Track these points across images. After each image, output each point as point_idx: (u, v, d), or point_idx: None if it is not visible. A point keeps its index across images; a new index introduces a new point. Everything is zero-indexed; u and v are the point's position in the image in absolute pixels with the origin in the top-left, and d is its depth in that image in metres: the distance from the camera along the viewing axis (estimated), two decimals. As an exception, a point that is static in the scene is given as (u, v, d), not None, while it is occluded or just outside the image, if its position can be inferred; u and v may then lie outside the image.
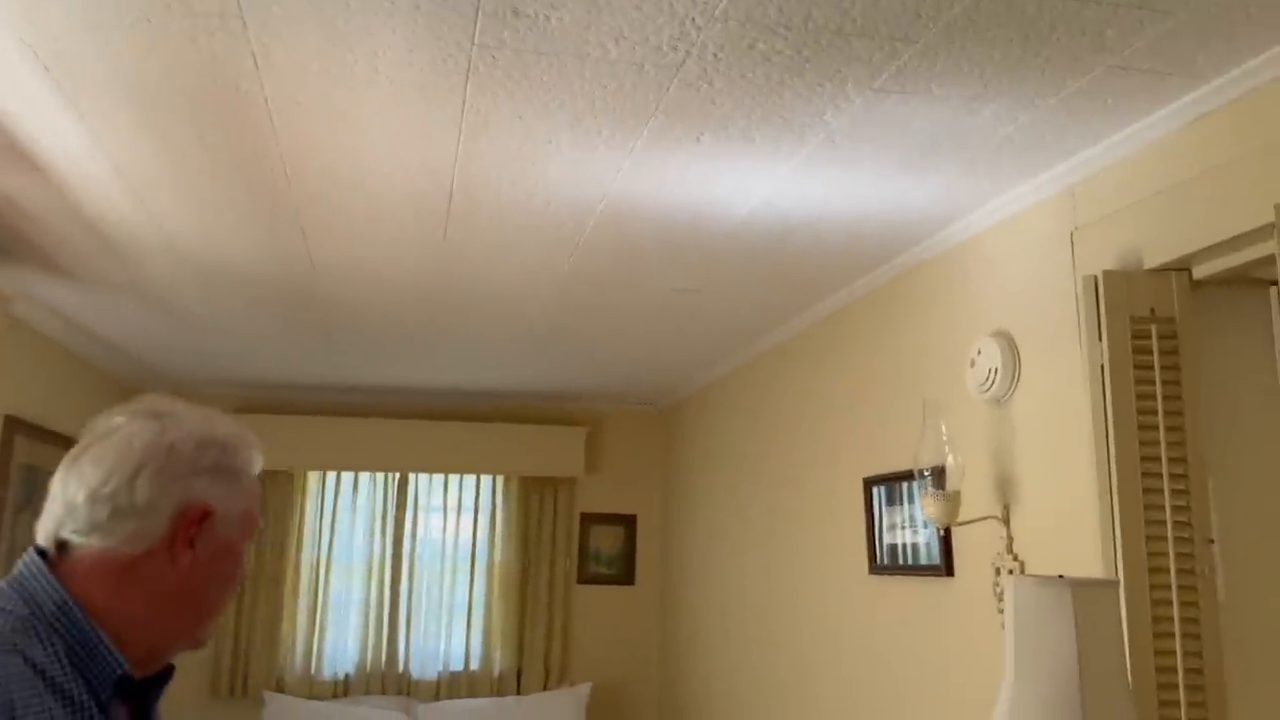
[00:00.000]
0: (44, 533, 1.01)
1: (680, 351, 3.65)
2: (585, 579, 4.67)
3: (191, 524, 1.04)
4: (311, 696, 4.20)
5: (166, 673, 1.08)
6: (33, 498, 3.18)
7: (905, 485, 2.40)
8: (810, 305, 2.95)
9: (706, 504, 4.06)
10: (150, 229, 2.35)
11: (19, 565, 0.99)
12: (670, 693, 4.43)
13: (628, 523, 4.75)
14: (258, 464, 1.14)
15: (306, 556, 4.38)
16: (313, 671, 4.30)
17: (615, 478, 4.77)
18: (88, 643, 0.96)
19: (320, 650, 4.34)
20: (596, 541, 4.72)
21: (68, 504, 1.00)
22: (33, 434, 3.13)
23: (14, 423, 3.00)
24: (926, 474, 2.09)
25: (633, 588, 4.71)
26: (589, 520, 4.71)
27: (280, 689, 4.21)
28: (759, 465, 3.46)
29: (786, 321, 3.15)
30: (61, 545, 1.00)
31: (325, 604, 4.37)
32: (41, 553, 1.00)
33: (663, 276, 2.68)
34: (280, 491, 4.37)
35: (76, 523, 0.99)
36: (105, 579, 1.00)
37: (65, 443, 3.35)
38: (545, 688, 4.45)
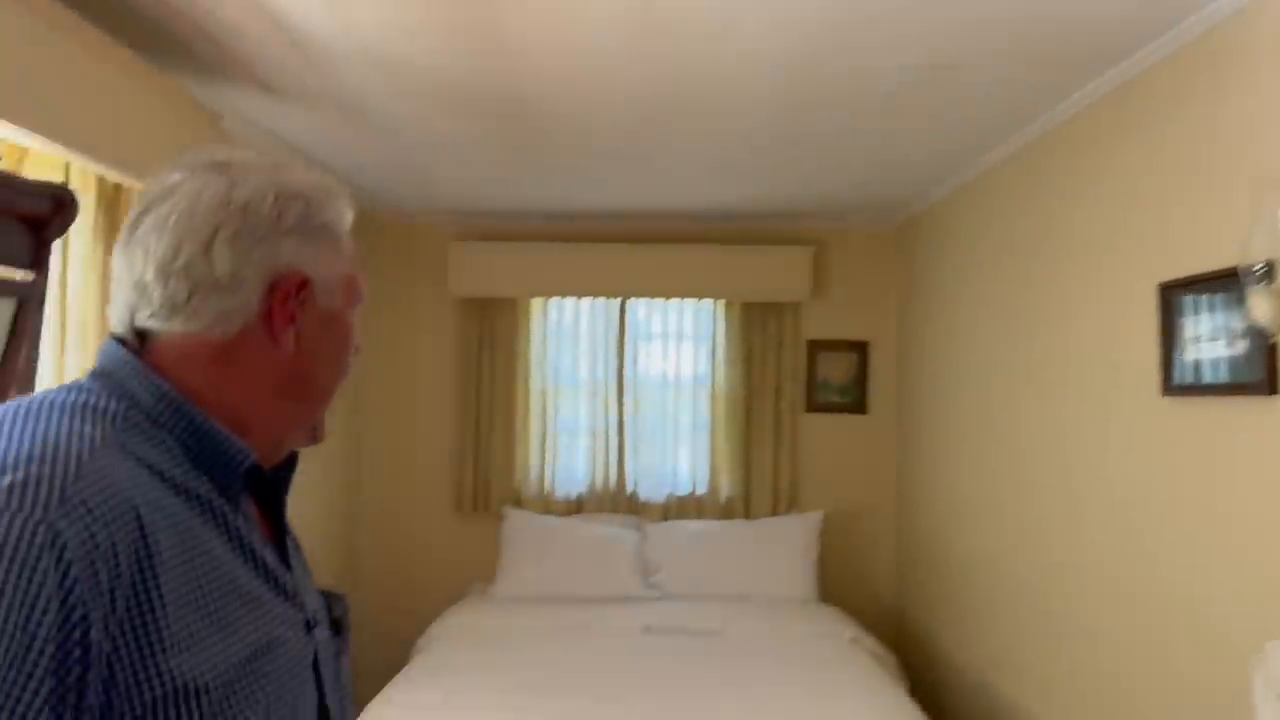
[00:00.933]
0: (118, 320, 0.87)
1: (922, 152, 3.24)
2: (814, 407, 4.46)
3: (288, 295, 0.88)
4: (547, 513, 4.31)
5: (291, 463, 0.97)
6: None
7: (1217, 287, 1.97)
8: (1092, 77, 2.47)
9: (949, 327, 3.70)
10: (347, 37, 2.22)
11: (99, 358, 0.86)
12: (909, 525, 4.23)
13: (859, 350, 4.47)
14: (349, 218, 0.96)
15: (535, 383, 4.41)
16: (547, 492, 4.40)
17: (845, 302, 4.46)
18: (203, 435, 0.83)
19: (553, 472, 4.42)
20: (825, 370, 4.47)
21: (137, 284, 0.85)
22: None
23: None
24: (1257, 269, 1.68)
25: (865, 417, 4.46)
26: (817, 348, 4.46)
27: (519, 506, 4.35)
28: (1017, 279, 3.06)
29: (1058, 103, 2.67)
30: (142, 334, 0.86)
31: (555, 428, 4.42)
32: (121, 342, 0.86)
33: (910, 51, 2.29)
34: (506, 318, 4.39)
35: (152, 305, 0.84)
36: (202, 366, 0.86)
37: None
38: (775, 514, 4.36)
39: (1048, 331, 2.80)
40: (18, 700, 0.64)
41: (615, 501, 4.40)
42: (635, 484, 4.42)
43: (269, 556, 0.88)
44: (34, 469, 0.70)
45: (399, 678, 2.99)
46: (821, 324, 4.46)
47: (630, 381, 4.42)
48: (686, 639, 3.43)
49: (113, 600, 0.69)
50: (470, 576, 4.30)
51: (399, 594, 4.39)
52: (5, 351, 1.65)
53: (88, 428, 0.77)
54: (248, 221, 0.87)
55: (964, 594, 3.48)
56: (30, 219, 1.68)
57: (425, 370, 4.48)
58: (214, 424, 0.84)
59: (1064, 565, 2.68)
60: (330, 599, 1.01)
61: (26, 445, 0.73)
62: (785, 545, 4.10)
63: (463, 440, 4.40)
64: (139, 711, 0.71)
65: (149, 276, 0.85)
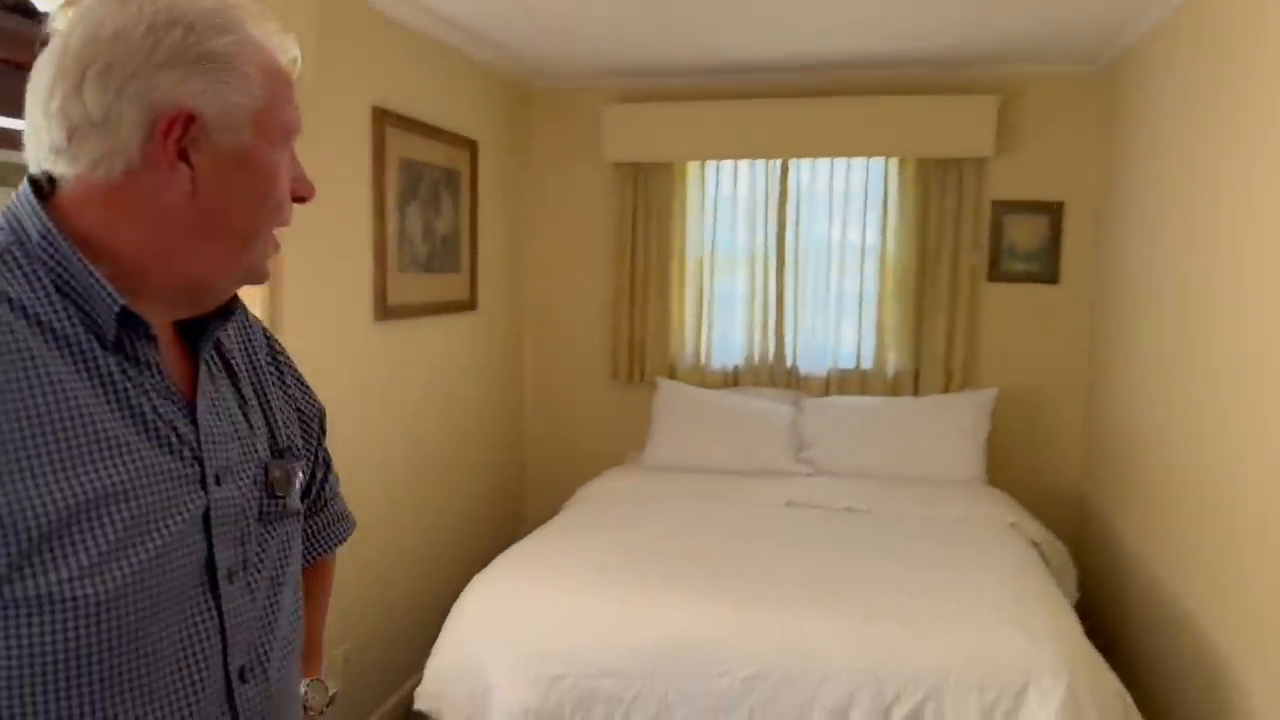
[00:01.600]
0: (31, 161, 0.83)
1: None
2: (997, 276, 4.07)
3: (168, 133, 0.80)
4: (701, 385, 4.23)
5: (229, 309, 0.93)
6: (417, 190, 3.32)
7: None
8: None
9: (1157, 186, 3.21)
10: None
11: (12, 196, 0.83)
12: (1099, 407, 3.82)
13: (1052, 212, 4.00)
14: (263, 46, 0.85)
15: (691, 251, 4.27)
16: (702, 363, 4.31)
17: (1036, 158, 3.98)
18: (77, 275, 0.79)
19: (709, 343, 4.31)
20: (1012, 234, 4.04)
21: (32, 125, 0.82)
22: (404, 125, 3.19)
23: (383, 114, 3.06)
24: None
25: (1056, 287, 4.02)
26: (1002, 209, 4.03)
27: (673, 377, 4.29)
28: (1237, 132, 2.57)
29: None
30: (51, 178, 0.83)
31: (711, 298, 4.29)
32: (36, 183, 0.83)
33: None
34: (662, 184, 4.24)
35: (42, 147, 0.81)
36: (94, 209, 0.82)
37: (435, 134, 3.47)
38: (947, 390, 4.06)
39: (1269, 194, 2.34)
40: None
41: (774, 375, 4.25)
42: (795, 357, 4.24)
43: (161, 406, 0.85)
44: None
45: (526, 539, 3.06)
46: (1009, 183, 4.01)
47: (792, 249, 4.19)
48: (826, 515, 3.30)
49: None
50: (626, 445, 4.32)
51: (560, 460, 4.49)
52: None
53: None
54: (117, 55, 0.80)
55: (1150, 485, 3.11)
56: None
57: (582, 240, 4.43)
58: (86, 267, 0.81)
59: (1265, 470, 2.31)
60: (276, 461, 0.95)
61: None
62: (953, 424, 3.83)
63: (618, 310, 4.35)
64: None
65: (36, 117, 0.82)
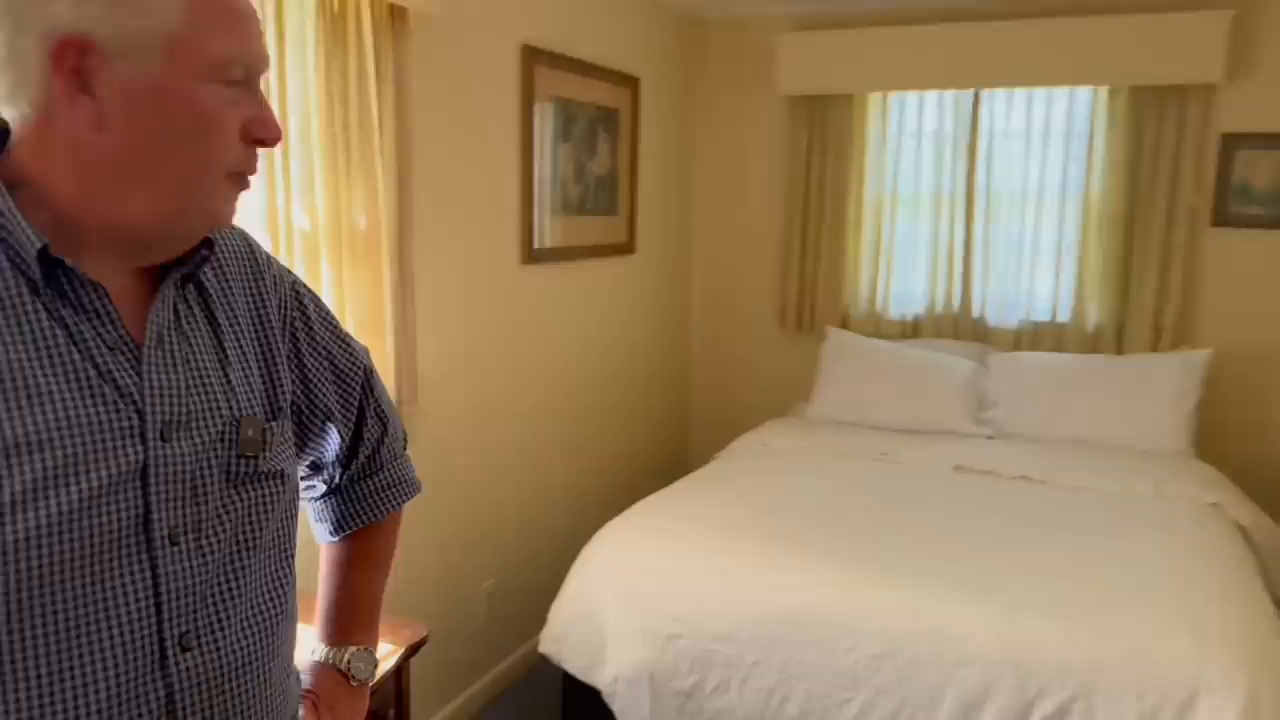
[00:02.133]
0: None
1: None
2: (1225, 221, 3.55)
3: (59, 61, 0.76)
4: (876, 335, 3.98)
5: (202, 251, 0.90)
6: (570, 131, 3.26)
7: None
8: None
9: None
10: None
11: None
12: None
13: (1298, 145, 3.42)
14: None
15: (869, 190, 3.99)
16: (878, 312, 4.05)
17: (1277, 83, 3.41)
18: (5, 218, 0.78)
19: (886, 290, 4.04)
20: (1244, 171, 3.51)
21: None
22: (557, 64, 3.13)
23: (533, 53, 3.00)
24: None
25: (1297, 233, 3.47)
26: (1234, 143, 3.49)
27: (845, 326, 4.06)
28: None
29: None
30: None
31: (890, 242, 4.00)
32: None
33: None
34: (839, 118, 3.97)
35: None
36: (27, 152, 0.80)
37: (592, 72, 3.38)
38: (1154, 350, 3.62)
39: None
40: None
41: (957, 327, 3.93)
42: (982, 308, 3.90)
43: (102, 355, 0.82)
44: None
45: (664, 490, 2.99)
46: (1242, 113, 3.47)
47: (983, 189, 3.83)
48: (995, 484, 3.02)
49: None
50: (793, 396, 4.15)
51: (724, 408, 4.38)
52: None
53: None
54: None
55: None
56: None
57: (752, 179, 4.25)
58: (10, 209, 0.79)
59: None
60: (250, 419, 0.91)
61: None
62: (1158, 387, 3.40)
63: (789, 254, 4.15)
64: None
65: None
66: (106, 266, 0.85)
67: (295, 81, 2.06)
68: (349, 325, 2.21)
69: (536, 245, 3.12)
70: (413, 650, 1.81)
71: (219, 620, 0.87)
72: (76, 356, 0.80)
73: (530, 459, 3.22)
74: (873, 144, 3.96)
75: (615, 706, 2.42)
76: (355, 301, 2.24)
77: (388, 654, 1.75)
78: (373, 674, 1.18)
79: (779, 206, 4.18)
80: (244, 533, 0.91)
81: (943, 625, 2.19)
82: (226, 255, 0.98)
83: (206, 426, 0.88)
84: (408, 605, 2.63)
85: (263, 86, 0.88)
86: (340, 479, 1.17)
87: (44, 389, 0.78)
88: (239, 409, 0.91)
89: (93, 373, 0.81)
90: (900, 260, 4.02)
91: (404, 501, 1.22)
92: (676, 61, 4.02)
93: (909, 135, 3.91)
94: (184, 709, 0.84)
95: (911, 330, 4.01)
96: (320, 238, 2.14)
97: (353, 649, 1.16)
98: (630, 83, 3.60)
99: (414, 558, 2.65)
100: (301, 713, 1.07)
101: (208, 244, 0.91)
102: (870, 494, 2.91)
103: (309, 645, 1.17)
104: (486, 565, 3.03)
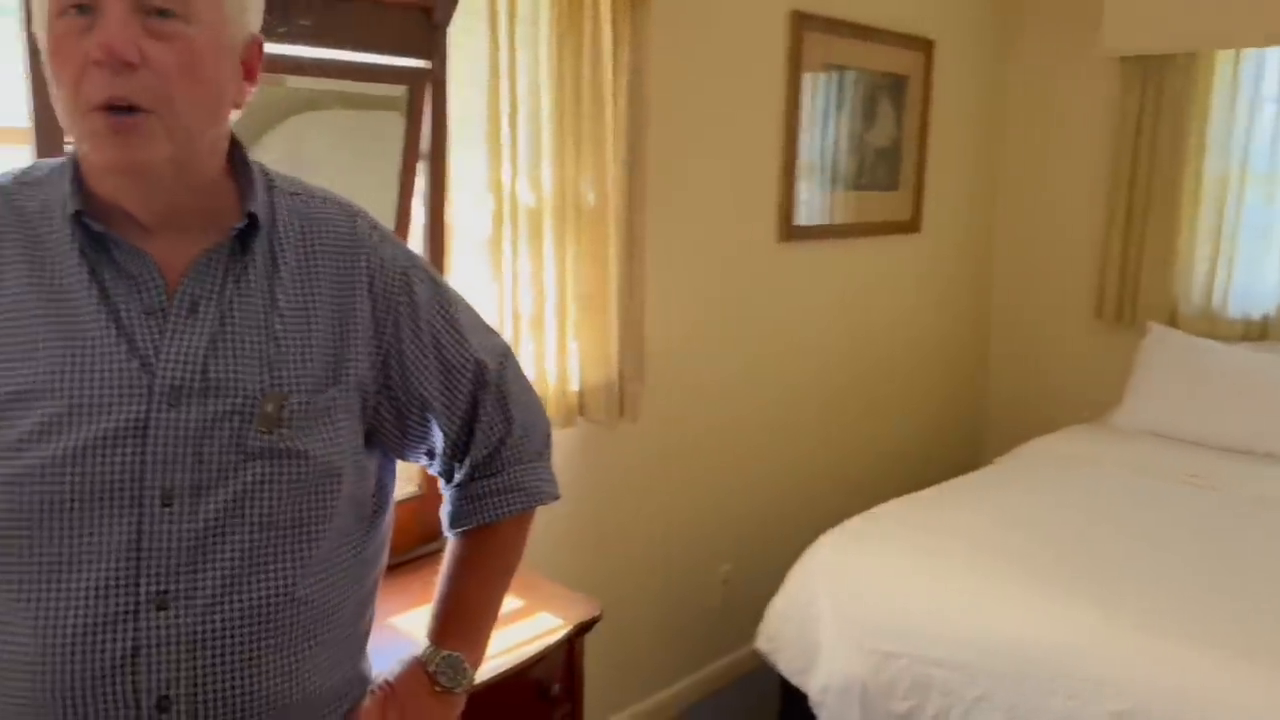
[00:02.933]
0: None
1: None
2: None
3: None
4: (1210, 335, 3.39)
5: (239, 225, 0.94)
6: (843, 100, 3.07)
7: None
8: None
9: None
10: None
11: None
12: None
13: None
14: None
15: (1211, 166, 3.38)
16: (1214, 307, 3.44)
17: None
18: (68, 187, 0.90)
19: (1227, 283, 3.42)
20: None
21: None
22: (831, 29, 2.94)
23: (802, 18, 2.85)
24: None
25: None
26: None
27: (1172, 323, 3.50)
28: None
29: None
30: None
31: (1236, 226, 3.37)
32: None
33: None
34: (1178, 81, 3.39)
35: None
36: None
37: (873, 36, 3.11)
38: None
39: None
40: None
41: (1319, 330, 3.25)
42: (1359, 308, 3.19)
43: (130, 318, 0.88)
44: None
45: (913, 494, 2.74)
46: None
47: (1367, 163, 3.11)
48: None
49: None
50: (1104, 398, 3.65)
51: (1025, 405, 3.96)
52: (405, 137, 1.83)
53: None
54: None
55: None
56: (421, 6, 1.79)
57: (1068, 151, 3.76)
58: (63, 176, 0.89)
59: None
60: (274, 395, 0.91)
61: None
62: None
63: (1110, 236, 3.63)
64: None
65: None
66: (154, 236, 0.89)
67: (525, 59, 2.09)
68: (568, 300, 2.23)
69: (797, 222, 2.98)
70: (583, 628, 1.80)
71: (200, 588, 0.88)
72: (103, 315, 0.86)
73: (779, 444, 3.10)
74: (1219, 111, 3.35)
75: (822, 717, 2.27)
76: (578, 277, 2.25)
77: (555, 628, 1.75)
78: (461, 684, 1.11)
79: (1100, 182, 3.67)
80: (247, 506, 0.90)
81: (1202, 689, 1.82)
82: (320, 234, 0.99)
83: (224, 396, 0.89)
84: (632, 581, 2.65)
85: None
86: (457, 473, 1.13)
87: (67, 342, 0.85)
88: (268, 383, 0.91)
89: (113, 332, 0.86)
90: (1247, 248, 3.38)
91: (521, 509, 1.14)
92: (980, 22, 3.65)
93: (1270, 100, 3.26)
94: (150, 667, 0.86)
95: (1257, 332, 3.37)
96: (545, 213, 2.17)
97: (445, 653, 1.11)
98: (923, 46, 3.31)
99: (638, 534, 2.65)
100: (367, 703, 1.06)
101: (250, 217, 0.93)
102: (1163, 522, 2.49)
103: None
104: (724, 550, 2.97)
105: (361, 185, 1.70)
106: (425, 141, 1.86)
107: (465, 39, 1.96)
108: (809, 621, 2.34)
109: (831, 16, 2.93)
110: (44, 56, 0.84)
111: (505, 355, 1.13)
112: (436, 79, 1.84)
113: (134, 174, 0.86)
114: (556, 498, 1.18)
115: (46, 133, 1.35)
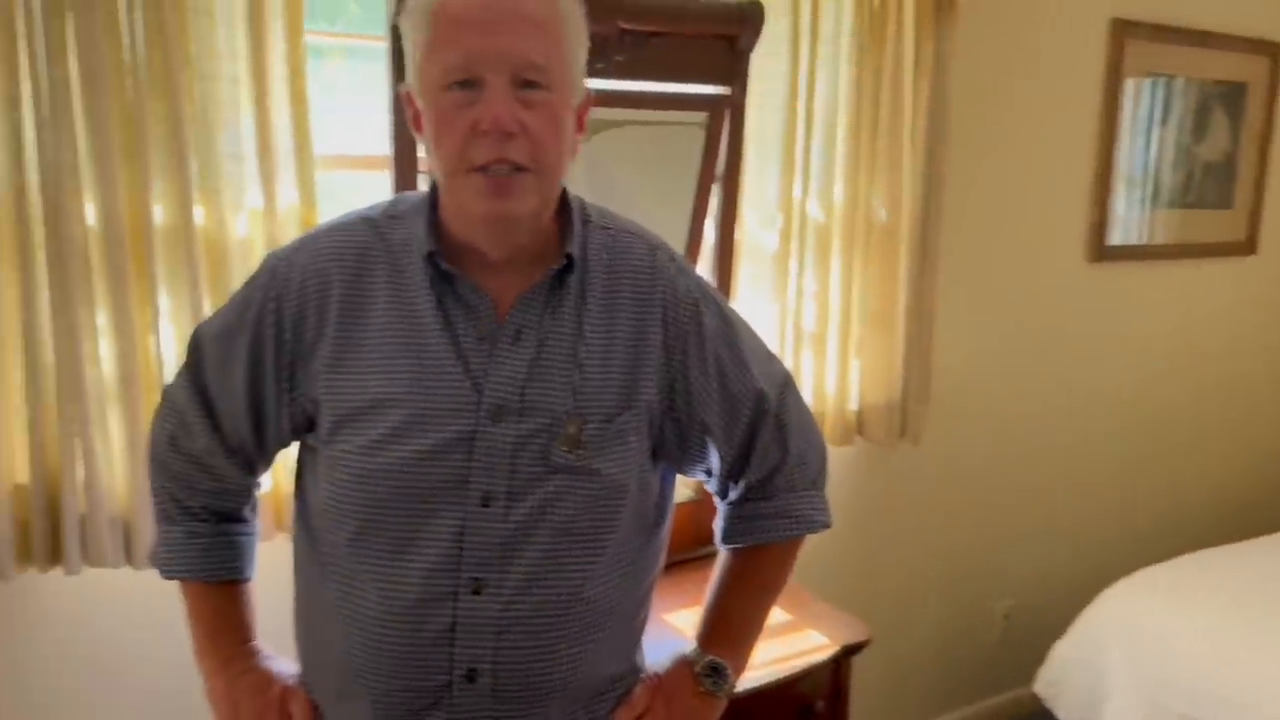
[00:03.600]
0: None
1: None
2: None
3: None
4: None
5: (555, 263, 1.04)
6: (1168, 111, 2.83)
7: None
8: None
9: None
10: None
11: None
12: None
13: None
14: None
15: None
16: None
17: None
18: (427, 225, 1.03)
19: None
20: None
21: None
22: (1157, 36, 2.72)
23: (1124, 26, 2.65)
24: None
25: None
26: None
27: None
28: None
29: None
30: None
31: None
32: None
33: None
34: None
35: None
36: None
37: (1205, 40, 2.82)
38: None
39: None
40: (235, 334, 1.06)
41: None
42: None
43: (467, 343, 1.01)
44: (307, 234, 1.12)
45: (1224, 546, 2.47)
46: None
47: None
48: None
49: (293, 315, 1.03)
50: None
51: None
52: (702, 161, 1.91)
53: (363, 210, 1.09)
54: None
55: None
56: (725, 35, 1.87)
57: None
58: (424, 219, 1.03)
59: None
60: (575, 418, 1.02)
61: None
62: None
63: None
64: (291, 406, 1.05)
65: None
66: (491, 270, 1.03)
67: (824, 77, 2.12)
68: (853, 317, 2.22)
69: (1110, 241, 2.78)
70: (852, 650, 1.79)
71: (507, 580, 1.01)
72: (446, 341, 1.01)
73: (1072, 480, 2.91)
74: None
75: (1105, 777, 2.12)
76: (865, 294, 2.24)
77: (822, 646, 1.76)
78: (722, 689, 1.17)
79: None
80: (549, 514, 1.02)
81: None
82: (624, 266, 1.09)
83: (537, 417, 1.01)
84: (904, 606, 2.60)
85: (544, 80, 0.96)
86: (732, 492, 1.19)
87: (417, 361, 1.00)
88: (573, 407, 1.02)
89: (454, 356, 1.00)
90: None
91: (791, 535, 1.19)
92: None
93: None
94: (463, 642, 1.00)
95: None
96: (834, 230, 2.18)
97: (710, 658, 1.17)
98: (1268, 50, 2.97)
99: (913, 559, 2.59)
100: (637, 690, 1.15)
101: (567, 257, 1.04)
102: None
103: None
104: (1005, 585, 2.83)
105: (654, 205, 1.80)
106: (720, 163, 1.93)
107: (766, 62, 2.02)
108: (1097, 671, 2.19)
109: (1158, 23, 2.71)
110: (425, 120, 0.98)
111: (786, 384, 1.17)
112: (736, 104, 1.91)
113: (505, 223, 0.99)
114: (828, 526, 1.21)
115: (403, 162, 1.56)
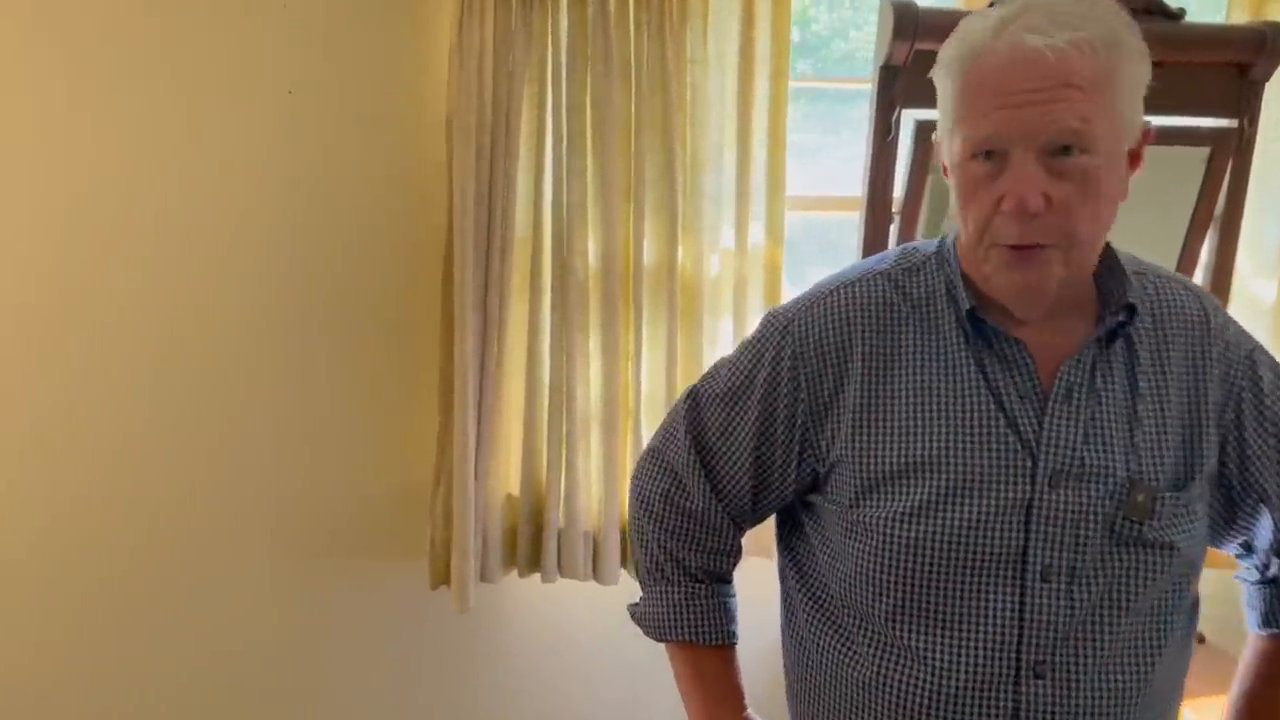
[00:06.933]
0: None
1: None
2: None
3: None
4: None
5: (1115, 314, 0.94)
6: None
7: None
8: None
9: None
10: None
11: None
12: None
13: None
14: (966, 46, 0.88)
15: None
16: None
17: None
18: (954, 283, 0.96)
19: None
20: None
21: None
22: None
23: None
24: None
25: None
26: None
27: None
28: None
29: None
30: None
31: None
32: None
33: None
34: None
35: None
36: None
37: None
38: None
39: None
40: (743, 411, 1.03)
41: None
42: None
43: (1011, 401, 0.94)
44: (815, 290, 1.04)
45: None
46: None
47: None
48: None
49: (810, 373, 0.99)
50: None
51: None
52: (1197, 204, 1.71)
53: (869, 264, 1.04)
54: None
55: None
56: (1237, 64, 1.66)
57: None
58: (957, 277, 0.97)
59: None
60: (1143, 486, 0.93)
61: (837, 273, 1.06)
62: None
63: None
64: (802, 467, 1.01)
65: None
66: (1029, 325, 0.95)
67: None
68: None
69: None
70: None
71: (1074, 664, 0.92)
72: (989, 400, 0.94)
73: None
74: None
75: None
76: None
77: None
78: None
79: None
80: (1117, 591, 0.92)
81: None
82: (1172, 318, 0.98)
83: (1097, 482, 0.91)
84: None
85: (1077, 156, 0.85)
86: (1274, 568, 1.05)
87: (956, 421, 0.94)
88: (1135, 472, 0.92)
89: (1000, 416, 0.93)
90: None
91: None
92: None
93: None
94: None
95: None
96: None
97: None
98: None
99: None
100: None
101: (1128, 309, 0.94)
102: None
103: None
104: None
105: (1137, 246, 1.63)
106: (1219, 204, 1.72)
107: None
108: None
109: None
110: (951, 180, 0.94)
111: None
112: (1244, 138, 1.69)
113: (1031, 294, 0.92)
114: None
115: (876, 205, 1.54)
